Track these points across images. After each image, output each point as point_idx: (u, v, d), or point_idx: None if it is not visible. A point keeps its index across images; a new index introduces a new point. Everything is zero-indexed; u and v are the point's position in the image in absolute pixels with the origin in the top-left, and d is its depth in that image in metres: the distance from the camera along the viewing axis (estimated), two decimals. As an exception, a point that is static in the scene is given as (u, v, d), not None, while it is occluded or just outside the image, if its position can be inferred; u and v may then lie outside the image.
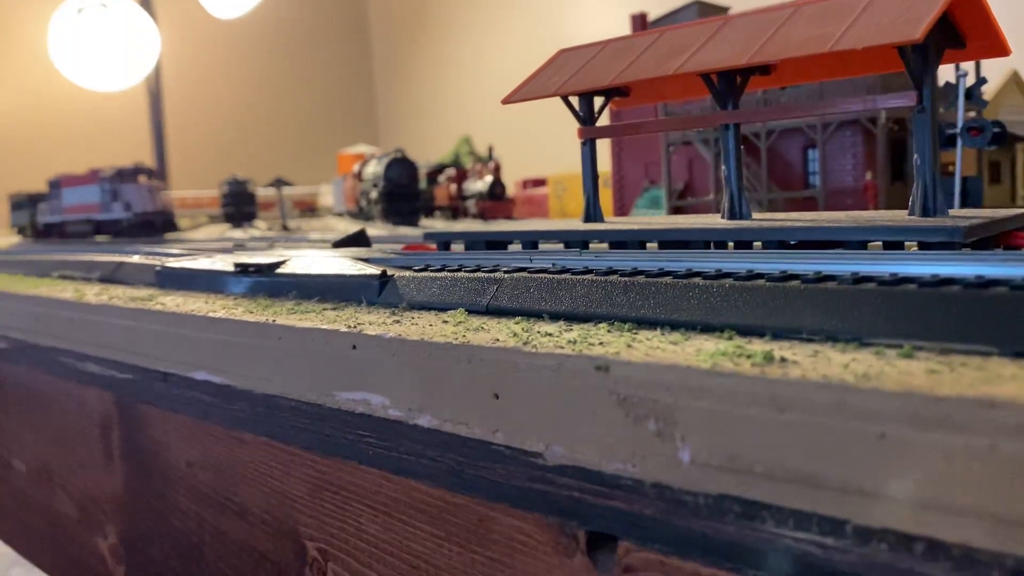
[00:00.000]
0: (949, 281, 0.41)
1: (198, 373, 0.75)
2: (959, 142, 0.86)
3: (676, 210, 1.33)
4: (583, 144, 0.80)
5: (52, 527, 1.14)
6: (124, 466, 0.93)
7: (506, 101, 0.81)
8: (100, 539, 1.01)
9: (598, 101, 0.80)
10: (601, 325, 0.51)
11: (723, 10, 1.42)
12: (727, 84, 0.68)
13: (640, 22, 1.46)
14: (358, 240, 1.01)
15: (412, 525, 0.57)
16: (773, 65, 0.68)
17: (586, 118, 0.80)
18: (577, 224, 0.79)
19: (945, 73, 0.96)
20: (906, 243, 0.57)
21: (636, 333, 0.48)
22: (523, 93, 0.80)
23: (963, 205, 0.91)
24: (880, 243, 0.57)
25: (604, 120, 0.84)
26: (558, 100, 0.80)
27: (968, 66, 0.95)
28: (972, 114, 0.93)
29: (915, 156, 0.59)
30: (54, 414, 1.09)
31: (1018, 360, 0.36)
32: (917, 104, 0.58)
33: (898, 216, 0.61)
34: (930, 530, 0.32)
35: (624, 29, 1.54)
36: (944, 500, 0.32)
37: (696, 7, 1.34)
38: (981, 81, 0.89)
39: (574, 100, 0.80)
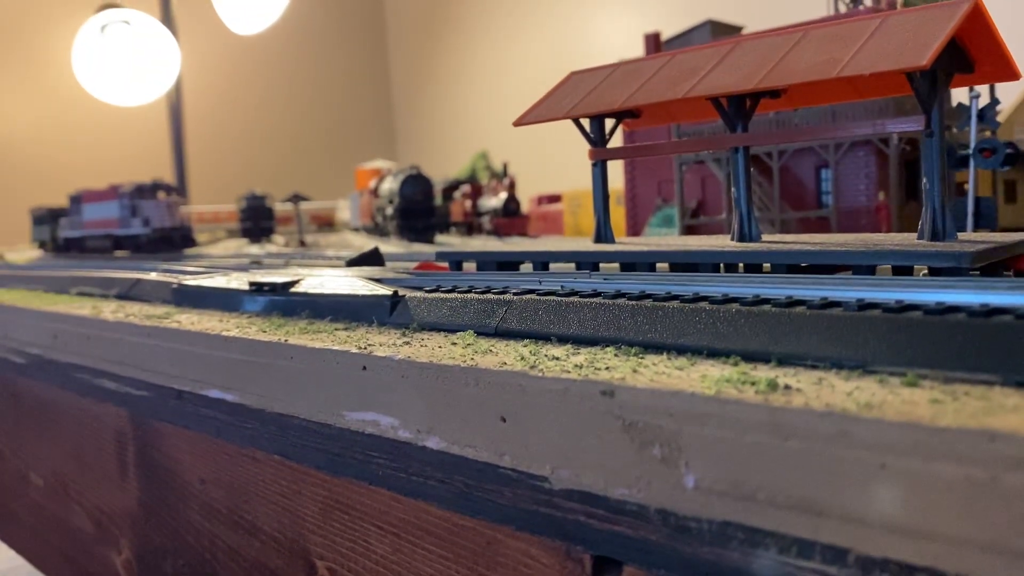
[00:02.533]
0: (954, 309, 0.42)
1: (212, 391, 0.76)
2: (972, 163, 0.86)
3: (689, 229, 1.33)
4: (594, 165, 0.80)
5: (67, 541, 1.15)
6: (139, 482, 0.94)
7: (518, 123, 0.81)
8: (114, 554, 1.02)
9: (609, 123, 0.81)
10: (608, 349, 0.51)
11: (736, 29, 1.43)
12: (736, 107, 0.68)
13: (653, 42, 1.46)
14: (371, 259, 1.02)
15: (420, 546, 0.58)
16: (783, 89, 0.68)
17: (597, 140, 0.80)
18: (588, 245, 0.79)
19: (959, 94, 0.96)
20: (915, 267, 0.57)
21: (642, 358, 0.48)
22: (534, 115, 0.81)
23: (977, 226, 0.90)
24: (889, 267, 0.57)
25: (617, 139, 0.84)
26: (573, 117, 0.81)
27: (982, 87, 0.95)
28: (987, 134, 0.93)
29: (924, 180, 0.59)
30: (71, 429, 1.10)
31: (1021, 390, 0.36)
32: (925, 129, 0.58)
33: (907, 240, 0.61)
34: (932, 561, 0.32)
35: (639, 47, 1.55)
36: (945, 531, 0.32)
37: (709, 26, 1.35)
38: (994, 102, 0.89)
39: (585, 122, 0.80)
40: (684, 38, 1.39)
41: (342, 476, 0.63)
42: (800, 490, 0.36)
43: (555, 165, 3.28)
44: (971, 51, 0.61)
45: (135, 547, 0.97)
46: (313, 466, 0.66)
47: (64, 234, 2.24)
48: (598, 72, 0.81)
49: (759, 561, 0.38)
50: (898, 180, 1.07)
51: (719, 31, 1.36)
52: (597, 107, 0.76)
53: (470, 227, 2.23)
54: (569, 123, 0.82)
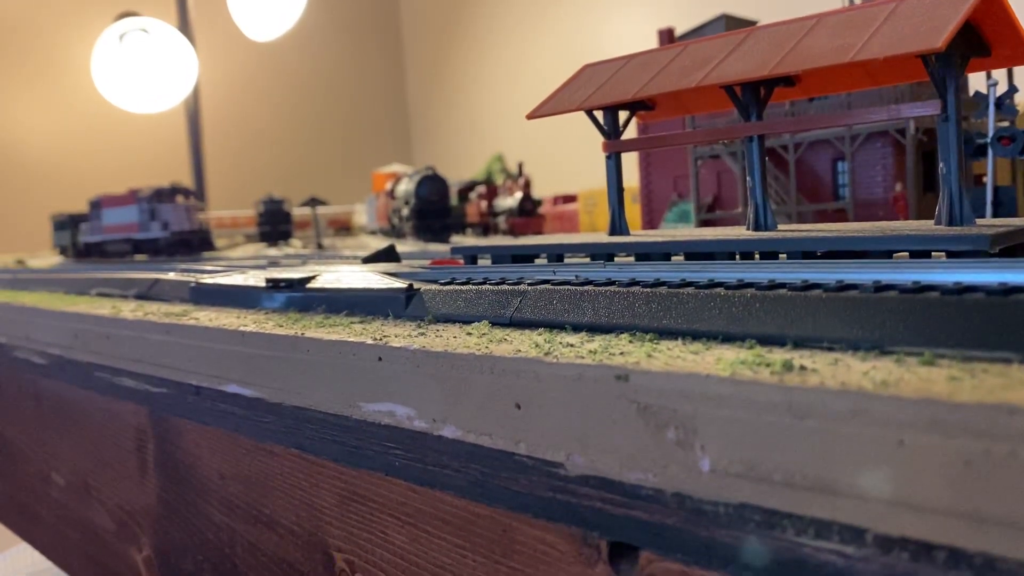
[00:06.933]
0: (971, 289, 0.41)
1: (230, 386, 0.76)
2: (990, 152, 0.85)
3: (705, 223, 1.33)
4: (608, 158, 0.80)
5: (89, 539, 1.16)
6: (158, 479, 0.95)
7: (531, 116, 0.81)
8: (135, 551, 1.02)
9: (623, 115, 0.81)
10: (623, 336, 0.51)
11: (751, 23, 1.42)
12: (750, 96, 0.68)
13: (667, 37, 1.46)
14: (387, 256, 1.02)
15: (438, 536, 0.58)
16: (797, 76, 0.68)
17: (611, 132, 0.80)
18: (602, 237, 0.79)
19: (977, 83, 0.96)
20: (933, 253, 0.56)
21: (657, 343, 0.48)
22: (548, 108, 0.81)
23: (996, 214, 0.89)
24: (906, 253, 0.57)
25: (631, 134, 0.84)
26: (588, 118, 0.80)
27: (1000, 75, 0.94)
28: (1005, 123, 0.92)
29: (940, 165, 0.59)
30: (91, 428, 1.11)
31: (1041, 367, 0.35)
32: (941, 113, 0.57)
33: (924, 226, 0.61)
34: (951, 538, 0.32)
35: (653, 44, 1.55)
36: (965, 508, 0.32)
37: (723, 21, 1.34)
38: (1012, 90, 0.88)
39: (599, 114, 0.80)
40: (698, 33, 1.39)
41: (359, 468, 0.64)
42: (816, 470, 0.36)
43: (570, 166, 3.28)
44: (987, 34, 0.61)
45: (156, 544, 0.98)
46: (330, 458, 0.66)
47: (84, 239, 2.26)
48: (611, 64, 0.81)
49: (777, 543, 0.38)
50: (915, 171, 1.06)
51: (733, 25, 1.35)
52: (610, 98, 0.76)
53: (486, 227, 2.23)
54: (584, 123, 0.82)
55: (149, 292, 1.11)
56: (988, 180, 0.87)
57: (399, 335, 0.60)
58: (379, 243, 2.17)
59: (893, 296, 0.42)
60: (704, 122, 1.23)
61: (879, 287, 0.44)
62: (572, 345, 0.50)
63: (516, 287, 0.62)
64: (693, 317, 0.49)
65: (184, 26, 3.76)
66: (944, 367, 0.37)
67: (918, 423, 0.33)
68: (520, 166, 2.40)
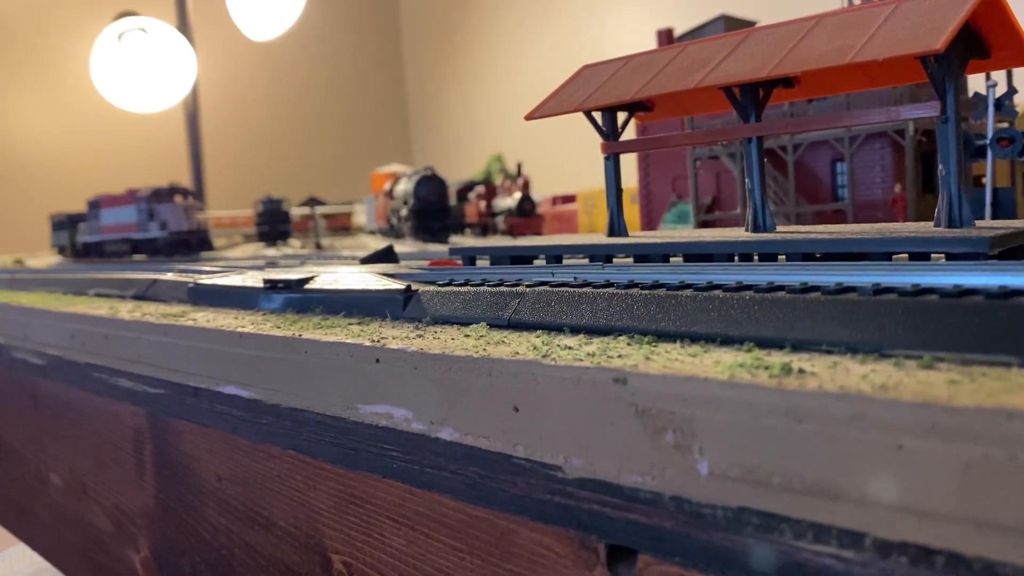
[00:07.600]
0: (971, 291, 0.41)
1: (227, 388, 0.76)
2: (989, 153, 0.85)
3: (704, 224, 1.33)
4: (606, 159, 0.80)
5: (87, 541, 1.16)
6: (156, 480, 0.95)
7: (529, 117, 0.81)
8: (133, 552, 1.02)
9: (621, 116, 0.80)
10: (621, 338, 0.51)
11: (750, 24, 1.42)
12: (749, 97, 0.68)
13: (666, 37, 1.46)
14: (386, 256, 1.02)
15: (435, 538, 0.57)
16: (796, 78, 0.68)
17: (609, 133, 0.80)
18: (601, 238, 0.79)
19: (976, 84, 0.96)
20: (932, 255, 0.56)
21: (655, 346, 0.48)
22: (546, 109, 0.81)
23: (995, 216, 0.89)
24: (905, 255, 0.57)
25: (630, 135, 0.84)
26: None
27: (999, 76, 0.94)
28: (1004, 125, 0.92)
29: (940, 167, 0.58)
30: (89, 429, 1.11)
31: (1040, 370, 0.35)
32: (940, 114, 0.57)
33: (923, 228, 0.60)
34: (950, 543, 0.32)
35: (653, 45, 1.55)
36: (964, 512, 0.31)
37: (723, 21, 1.34)
38: (1011, 91, 0.88)
39: (597, 115, 0.80)
40: (697, 33, 1.39)
41: (357, 470, 0.63)
42: (815, 474, 0.36)
43: (570, 167, 3.28)
44: (987, 36, 0.61)
45: (153, 545, 0.98)
46: (328, 460, 0.66)
47: (83, 239, 2.26)
48: (610, 65, 0.81)
49: (775, 547, 0.38)
50: (914, 172, 1.06)
51: (732, 26, 1.35)
52: (609, 99, 0.76)
53: (485, 228, 2.23)
54: (583, 123, 0.81)
55: (147, 293, 1.11)
56: (987, 181, 0.87)
57: (397, 336, 0.60)
58: (378, 243, 2.17)
59: (892, 299, 0.42)
60: (703, 123, 1.22)
61: (878, 290, 0.44)
62: (570, 347, 0.49)
63: (514, 289, 0.62)
64: (691, 319, 0.49)
65: (183, 26, 3.76)
66: (943, 370, 0.37)
67: (917, 427, 0.32)
68: (519, 166, 2.40)
